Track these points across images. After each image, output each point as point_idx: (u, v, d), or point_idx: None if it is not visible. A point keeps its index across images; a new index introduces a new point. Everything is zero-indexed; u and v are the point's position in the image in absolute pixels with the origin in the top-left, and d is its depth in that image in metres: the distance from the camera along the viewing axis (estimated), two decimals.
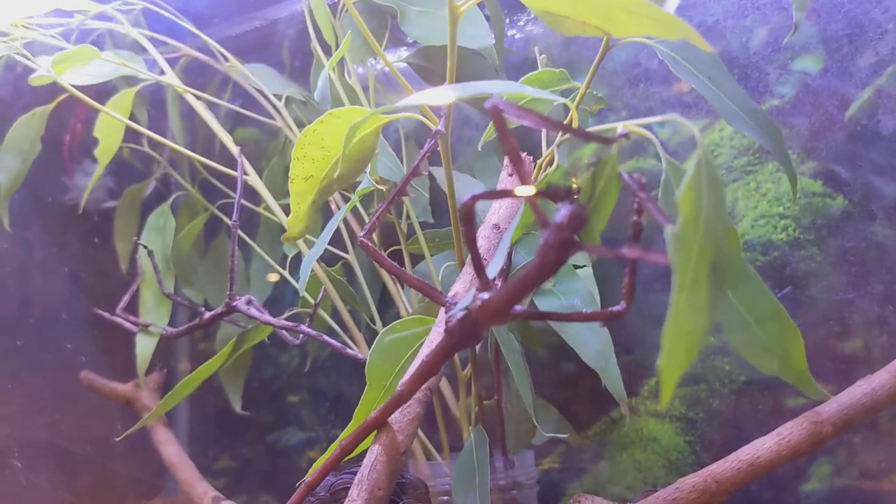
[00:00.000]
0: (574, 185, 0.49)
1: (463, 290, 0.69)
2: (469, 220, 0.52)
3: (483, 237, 0.71)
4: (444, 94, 0.57)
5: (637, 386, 0.91)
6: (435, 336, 0.67)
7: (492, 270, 0.57)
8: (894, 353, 0.60)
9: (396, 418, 0.63)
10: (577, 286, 0.80)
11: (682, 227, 0.40)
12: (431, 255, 0.89)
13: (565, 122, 0.65)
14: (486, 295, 0.53)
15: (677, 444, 0.88)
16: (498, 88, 0.56)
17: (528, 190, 0.46)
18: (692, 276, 0.40)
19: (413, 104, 0.56)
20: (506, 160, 0.77)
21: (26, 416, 1.10)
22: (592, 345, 0.77)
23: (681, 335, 0.39)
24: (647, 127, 0.58)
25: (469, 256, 0.71)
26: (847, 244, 0.79)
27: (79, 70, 0.89)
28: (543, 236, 0.45)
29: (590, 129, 0.61)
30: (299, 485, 0.63)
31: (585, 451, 0.94)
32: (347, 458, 0.63)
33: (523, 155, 0.74)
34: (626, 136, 0.53)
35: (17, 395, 1.09)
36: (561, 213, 0.44)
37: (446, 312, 0.63)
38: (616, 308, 0.56)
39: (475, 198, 0.51)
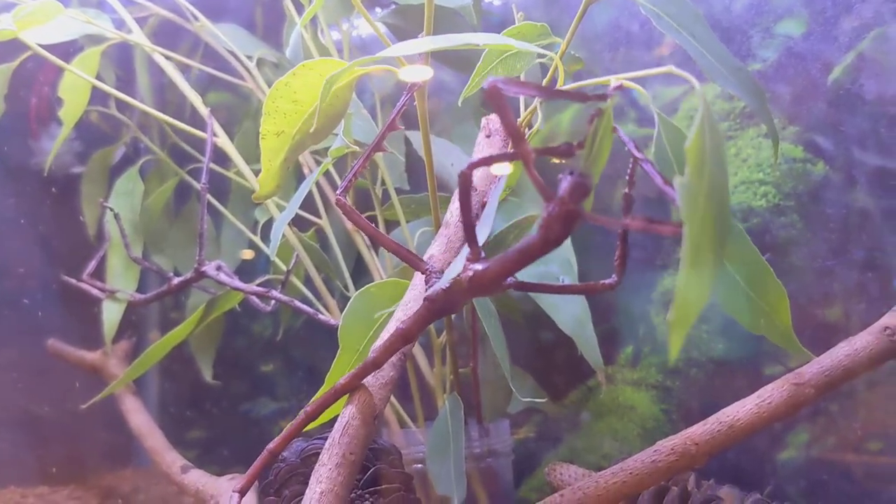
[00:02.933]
0: (573, 143, 0.48)
1: (438, 253, 0.67)
2: (466, 190, 0.51)
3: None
4: (423, 44, 0.55)
5: (614, 354, 0.90)
6: (410, 299, 0.65)
7: (479, 234, 0.56)
8: (873, 320, 0.59)
9: (369, 382, 0.61)
10: (554, 253, 0.79)
11: (690, 177, 0.39)
12: (407, 222, 0.87)
13: (546, 79, 0.64)
14: (478, 266, 0.52)
15: (653, 413, 0.87)
16: (479, 39, 0.55)
17: (528, 149, 0.44)
18: (699, 228, 0.39)
19: (391, 55, 0.54)
20: (483, 122, 0.75)
21: None
22: (569, 312, 0.76)
23: (691, 287, 0.38)
24: (628, 90, 0.57)
25: (447, 220, 0.70)
26: (828, 211, 0.78)
27: (43, 27, 0.86)
28: (546, 210, 0.44)
29: (578, 84, 0.60)
30: None
31: (561, 420, 0.93)
32: (314, 424, 0.62)
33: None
34: (619, 87, 0.52)
35: None
36: (563, 185, 0.43)
37: (427, 281, 0.62)
38: (607, 281, 0.56)
39: (473, 166, 0.50)
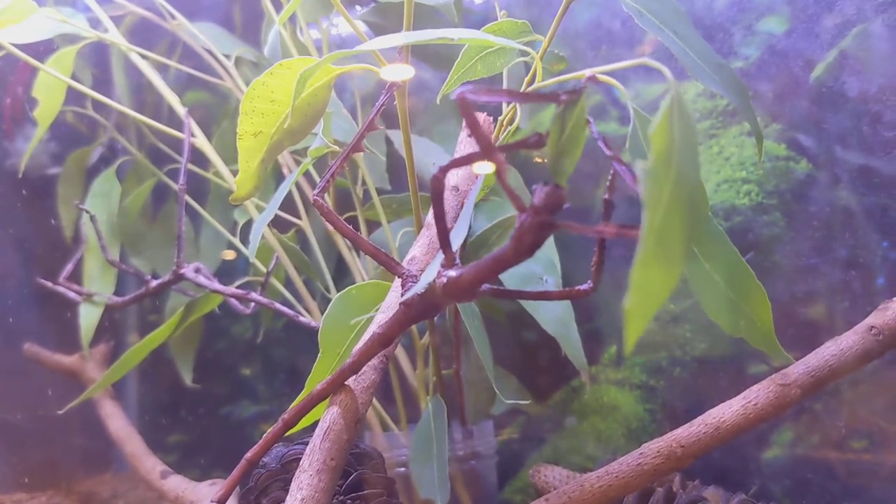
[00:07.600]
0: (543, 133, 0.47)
1: (420, 255, 0.67)
2: (439, 194, 0.50)
3: None
4: (399, 38, 0.54)
5: (598, 354, 0.89)
6: (391, 301, 0.64)
7: (454, 238, 0.55)
8: (857, 318, 0.59)
9: (350, 385, 0.60)
10: (538, 254, 0.78)
11: (655, 164, 0.38)
12: (389, 222, 0.86)
13: (528, 78, 0.63)
14: (452, 272, 0.51)
15: (638, 413, 0.87)
16: (457, 34, 0.54)
17: (500, 158, 0.43)
18: (664, 217, 0.38)
19: (366, 49, 0.54)
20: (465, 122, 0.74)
21: None
22: (552, 312, 0.76)
23: (650, 277, 0.37)
24: (609, 90, 0.56)
25: (429, 221, 0.69)
26: (811, 209, 0.78)
27: (17, 26, 0.84)
28: (519, 219, 0.44)
29: (555, 80, 0.59)
30: None
31: (545, 421, 0.92)
32: (293, 430, 0.61)
33: (483, 117, 0.72)
34: (592, 78, 0.52)
35: None
36: (537, 194, 0.43)
37: (403, 285, 0.61)
38: (583, 287, 0.56)
39: (445, 169, 0.49)
